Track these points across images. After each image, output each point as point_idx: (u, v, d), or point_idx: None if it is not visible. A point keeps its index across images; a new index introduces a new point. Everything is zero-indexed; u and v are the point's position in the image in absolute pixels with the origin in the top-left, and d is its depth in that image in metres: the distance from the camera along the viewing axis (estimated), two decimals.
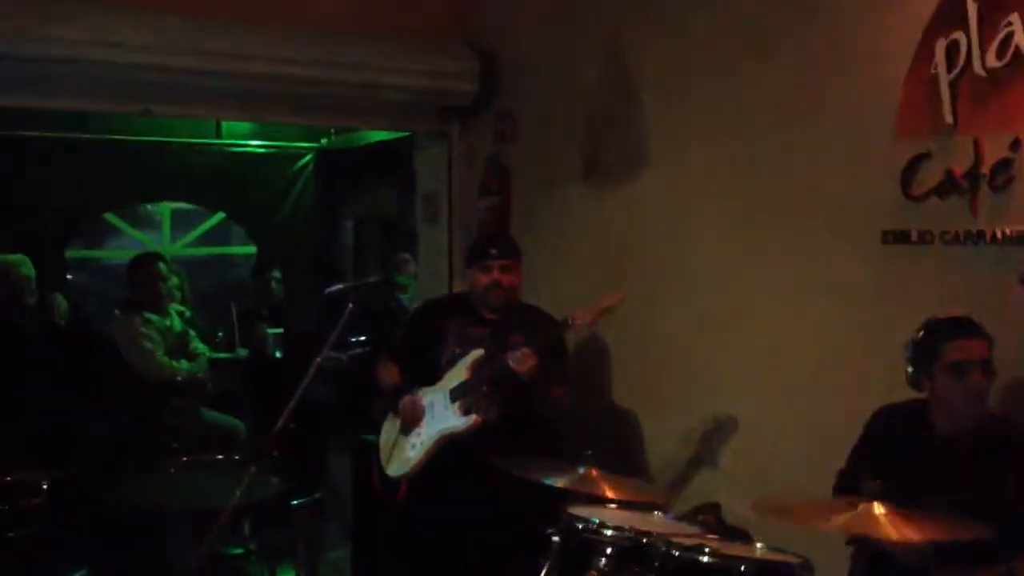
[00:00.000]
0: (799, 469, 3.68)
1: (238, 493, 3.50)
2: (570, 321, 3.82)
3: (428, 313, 4.50)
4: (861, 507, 2.63)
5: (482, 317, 4.19)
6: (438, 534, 4.02)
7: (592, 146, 5.03)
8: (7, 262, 5.52)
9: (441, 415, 4.05)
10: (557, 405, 4.10)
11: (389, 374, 4.30)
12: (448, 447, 4.02)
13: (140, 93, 5.08)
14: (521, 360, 3.84)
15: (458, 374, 4.07)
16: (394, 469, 4.18)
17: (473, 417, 3.98)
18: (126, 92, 5.06)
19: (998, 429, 3.02)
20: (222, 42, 4.97)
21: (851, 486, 3.16)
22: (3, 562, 4.24)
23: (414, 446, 4.10)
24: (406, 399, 4.14)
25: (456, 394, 4.03)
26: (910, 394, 3.15)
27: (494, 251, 4.16)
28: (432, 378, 4.17)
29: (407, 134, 6.39)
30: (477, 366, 4.02)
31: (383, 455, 4.27)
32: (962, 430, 3.01)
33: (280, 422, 3.55)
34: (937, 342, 2.99)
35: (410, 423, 4.13)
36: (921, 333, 3.04)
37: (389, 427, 4.30)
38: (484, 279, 4.13)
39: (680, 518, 3.37)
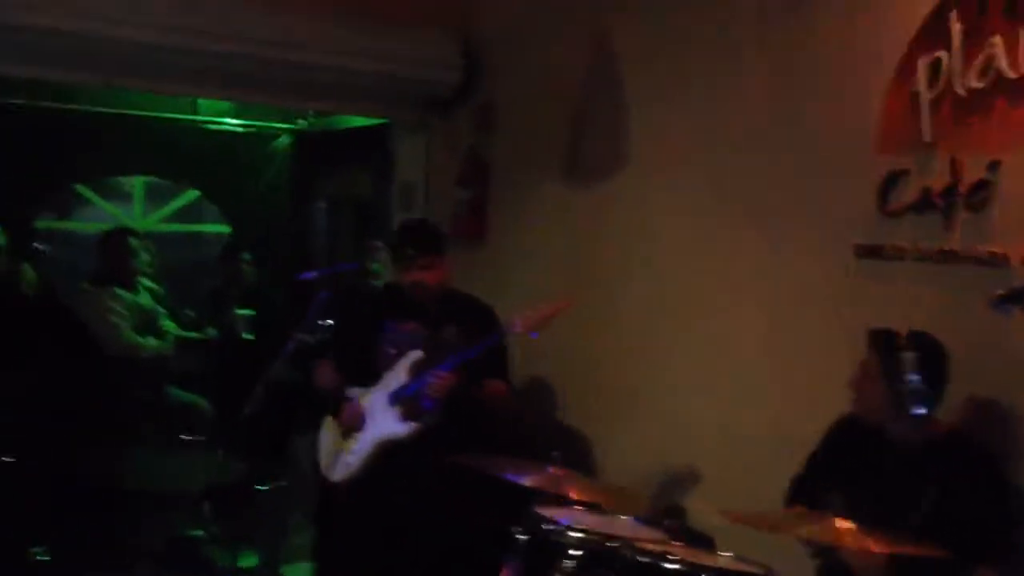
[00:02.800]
0: (761, 475, 3.69)
1: (205, 476, 3.50)
2: (510, 328, 3.74)
3: (358, 307, 4.30)
4: (826, 519, 2.66)
5: (415, 310, 4.05)
6: (381, 535, 3.93)
7: (572, 143, 5.03)
8: None
9: (382, 420, 3.96)
10: (494, 400, 4.01)
11: (326, 374, 4.16)
12: (389, 451, 3.95)
13: (104, 65, 5.00)
14: (438, 387, 3.79)
15: (397, 376, 3.97)
16: (334, 473, 4.06)
17: (414, 425, 3.90)
18: (90, 62, 4.97)
19: (954, 443, 3.05)
20: (195, 18, 4.89)
21: (806, 493, 3.22)
22: None
23: (354, 452, 4.00)
24: (347, 405, 4.04)
25: (396, 398, 3.94)
26: None
27: (411, 251, 3.99)
28: (369, 378, 4.06)
29: (387, 120, 6.37)
30: (416, 369, 3.93)
31: (324, 459, 4.15)
32: (916, 442, 3.02)
33: (249, 408, 3.55)
34: None
35: (350, 428, 4.03)
36: None
37: (329, 429, 4.17)
38: (406, 279, 4.00)
39: (645, 522, 3.38)
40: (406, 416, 3.91)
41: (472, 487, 3.77)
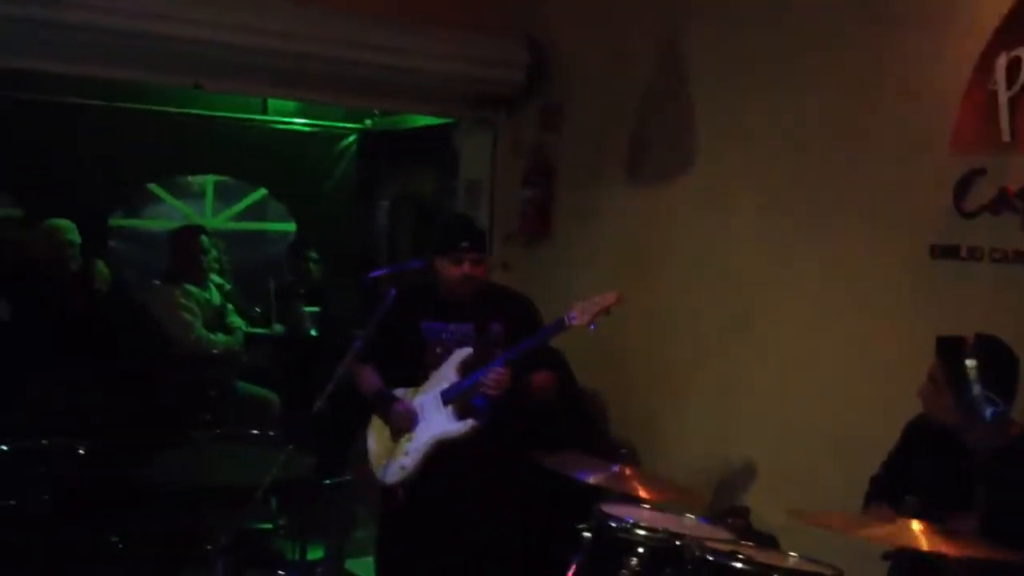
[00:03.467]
0: (830, 477, 3.68)
1: (275, 471, 3.53)
2: (567, 322, 3.66)
3: (400, 311, 4.01)
4: (899, 521, 2.62)
5: (457, 309, 3.98)
6: (443, 533, 3.89)
7: (638, 143, 5.02)
8: (54, 227, 5.60)
9: (435, 420, 3.89)
10: (542, 391, 3.94)
11: (369, 378, 4.07)
12: (446, 449, 3.89)
13: (192, 67, 5.13)
14: (495, 384, 3.72)
15: (447, 375, 3.91)
16: (388, 475, 3.97)
17: (471, 422, 3.83)
18: (178, 65, 5.11)
19: None
20: (275, 20, 5.01)
21: (884, 494, 3.18)
22: (36, 527, 4.30)
23: (407, 452, 3.92)
24: (397, 406, 3.97)
25: (448, 397, 3.88)
26: None
27: (465, 244, 3.89)
28: (415, 379, 4.01)
29: (452, 120, 6.41)
30: (466, 367, 3.87)
31: (374, 461, 4.07)
32: (990, 446, 2.96)
33: (319, 403, 3.57)
34: None
35: (403, 429, 3.96)
36: None
37: (377, 432, 4.11)
38: (455, 272, 3.89)
39: (710, 521, 3.37)
40: (461, 414, 3.87)
41: (533, 483, 3.78)
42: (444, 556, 3.89)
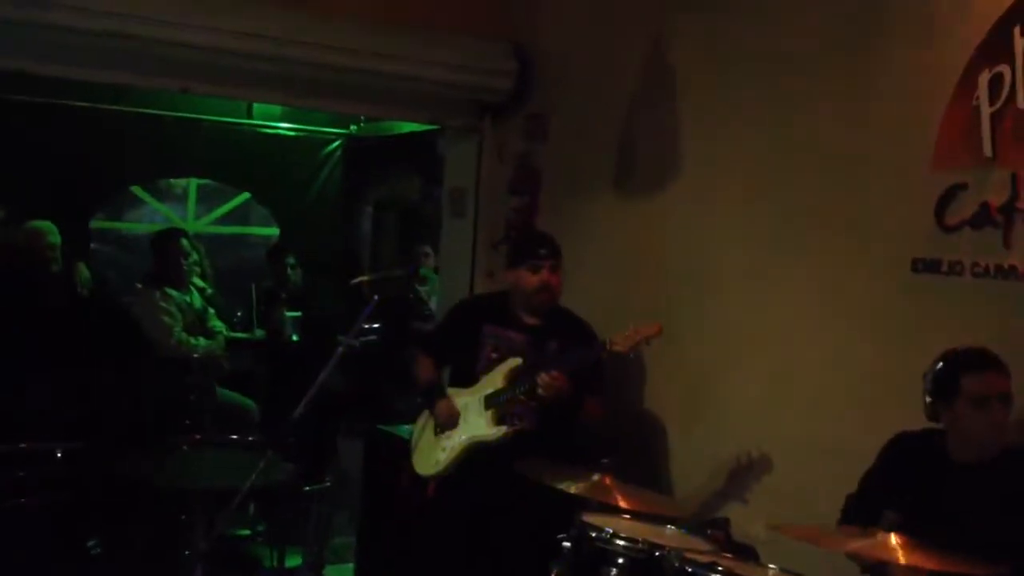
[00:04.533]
0: (814, 492, 3.67)
1: (254, 476, 3.52)
2: (608, 346, 3.75)
3: (466, 312, 4.41)
4: (878, 536, 2.62)
5: (520, 321, 4.11)
6: (463, 534, 3.99)
7: (624, 153, 5.02)
8: (35, 228, 5.57)
9: (474, 421, 4.02)
10: (590, 417, 4.06)
11: (425, 370, 4.27)
12: (478, 452, 4.00)
13: (178, 70, 5.10)
14: (549, 384, 3.79)
15: (494, 381, 4.01)
16: (421, 467, 4.16)
17: (504, 428, 3.95)
18: (164, 68, 5.07)
19: (1016, 463, 3.01)
20: (263, 24, 4.98)
21: (860, 512, 3.19)
22: (12, 530, 4.27)
23: (444, 449, 4.07)
24: (443, 403, 4.10)
25: (491, 402, 3.99)
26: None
27: (544, 251, 4.06)
28: (467, 379, 4.13)
29: (437, 126, 6.40)
30: (514, 375, 3.97)
31: (413, 448, 4.26)
32: (979, 462, 3.00)
33: (299, 409, 3.57)
34: (957, 373, 2.98)
35: (444, 426, 4.09)
36: (940, 364, 3.03)
37: (421, 424, 4.27)
38: (534, 279, 4.03)
39: (690, 532, 3.36)
40: (498, 420, 3.97)
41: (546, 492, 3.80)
42: (456, 552, 3.97)
